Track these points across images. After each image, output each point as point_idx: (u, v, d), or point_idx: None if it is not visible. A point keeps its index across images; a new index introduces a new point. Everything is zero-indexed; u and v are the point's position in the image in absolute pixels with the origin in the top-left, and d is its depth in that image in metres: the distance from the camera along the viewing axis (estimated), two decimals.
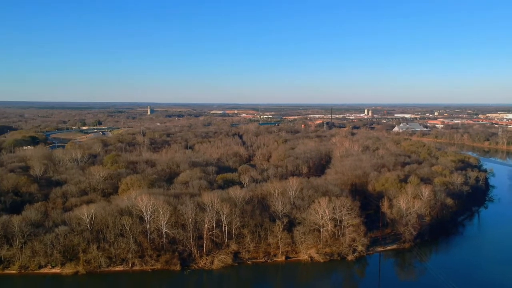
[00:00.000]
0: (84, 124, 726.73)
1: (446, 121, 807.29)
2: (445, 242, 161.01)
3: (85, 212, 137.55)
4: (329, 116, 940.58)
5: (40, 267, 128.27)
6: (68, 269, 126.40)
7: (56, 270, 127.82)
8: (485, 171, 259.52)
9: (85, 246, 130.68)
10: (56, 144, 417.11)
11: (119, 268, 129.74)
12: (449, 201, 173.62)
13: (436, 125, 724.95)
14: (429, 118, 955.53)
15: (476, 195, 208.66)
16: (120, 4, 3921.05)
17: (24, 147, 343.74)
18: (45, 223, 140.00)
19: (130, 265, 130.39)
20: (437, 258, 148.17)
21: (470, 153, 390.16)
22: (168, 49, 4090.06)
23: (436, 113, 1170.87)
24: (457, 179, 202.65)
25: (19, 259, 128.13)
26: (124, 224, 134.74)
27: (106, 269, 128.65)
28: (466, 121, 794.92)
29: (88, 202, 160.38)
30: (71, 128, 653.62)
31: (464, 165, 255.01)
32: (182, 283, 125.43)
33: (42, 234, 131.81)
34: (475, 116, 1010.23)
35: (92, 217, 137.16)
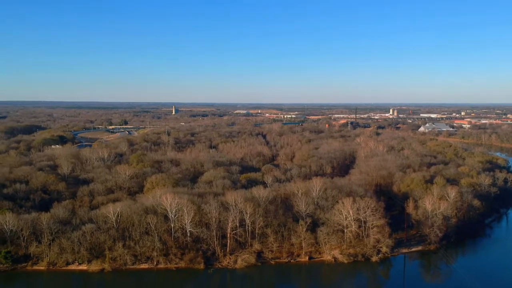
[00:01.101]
0: (111, 124, 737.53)
1: (473, 121, 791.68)
2: (472, 244, 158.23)
3: (111, 210, 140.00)
4: (353, 116, 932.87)
5: (68, 263, 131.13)
6: (95, 266, 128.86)
7: (83, 267, 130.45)
8: None
9: (111, 243, 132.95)
10: (84, 143, 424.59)
11: (144, 266, 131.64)
12: (476, 202, 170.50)
13: (463, 125, 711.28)
14: (456, 118, 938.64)
15: (504, 197, 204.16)
16: (146, 3, 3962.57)
17: (52, 146, 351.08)
18: (72, 220, 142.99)
19: (155, 263, 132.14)
20: (464, 260, 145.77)
21: (498, 153, 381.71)
22: (193, 49, 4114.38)
23: (463, 113, 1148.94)
24: (485, 180, 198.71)
25: (47, 256, 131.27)
26: (149, 223, 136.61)
27: (132, 266, 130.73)
28: (494, 121, 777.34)
29: (114, 200, 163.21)
30: (98, 128, 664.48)
31: (492, 166, 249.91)
32: (206, 281, 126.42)
33: (70, 231, 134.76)
34: (504, 116, 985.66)
35: (118, 215, 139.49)
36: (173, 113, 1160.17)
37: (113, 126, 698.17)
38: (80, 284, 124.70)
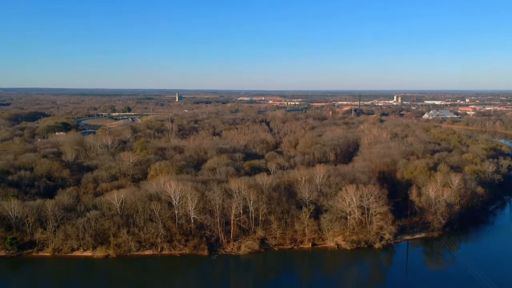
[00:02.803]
0: (114, 111, 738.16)
1: (477, 108, 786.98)
2: (475, 231, 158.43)
3: (115, 197, 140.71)
4: (357, 102, 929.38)
5: (73, 250, 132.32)
6: (99, 253, 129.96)
7: (88, 253, 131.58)
8: None
9: (115, 230, 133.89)
10: (87, 130, 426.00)
11: (148, 252, 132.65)
12: (479, 189, 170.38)
13: (467, 112, 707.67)
14: (460, 105, 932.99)
15: (508, 184, 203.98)
16: None
17: (56, 133, 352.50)
18: (77, 207, 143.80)
19: (159, 249, 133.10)
20: (467, 247, 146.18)
21: (502, 141, 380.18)
22: (196, 36, 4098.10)
23: (467, 100, 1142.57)
24: (489, 167, 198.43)
25: (52, 242, 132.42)
26: (153, 209, 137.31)
27: (136, 253, 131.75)
28: (498, 108, 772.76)
29: (118, 187, 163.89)
30: (102, 115, 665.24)
31: (496, 153, 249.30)
32: (209, 267, 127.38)
33: (74, 218, 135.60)
34: (508, 103, 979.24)
35: (122, 202, 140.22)
36: (177, 100, 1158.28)
37: (116, 113, 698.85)
38: (85, 270, 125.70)
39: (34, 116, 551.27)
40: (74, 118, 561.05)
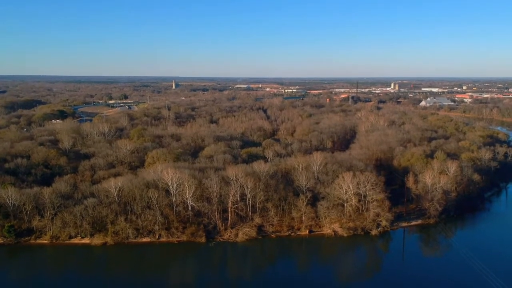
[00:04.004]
0: (111, 98, 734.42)
1: (474, 95, 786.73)
2: (471, 218, 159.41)
3: (112, 185, 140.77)
4: (354, 90, 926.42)
5: (71, 237, 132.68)
6: (97, 240, 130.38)
7: (86, 240, 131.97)
8: None
9: (113, 217, 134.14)
10: (84, 118, 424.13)
11: (146, 239, 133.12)
12: (476, 177, 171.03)
13: (464, 100, 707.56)
14: (457, 92, 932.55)
15: (504, 171, 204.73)
16: None
17: (53, 120, 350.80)
18: (74, 195, 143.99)
19: (157, 236, 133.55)
20: (463, 234, 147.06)
21: (499, 128, 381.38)
22: (192, 23, 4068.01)
23: (464, 87, 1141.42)
24: (485, 154, 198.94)
25: (50, 230, 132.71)
26: (150, 197, 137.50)
27: (134, 240, 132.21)
28: (495, 95, 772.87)
29: (116, 175, 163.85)
30: (98, 102, 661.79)
31: (492, 141, 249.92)
32: (207, 254, 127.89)
33: (72, 205, 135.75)
34: (506, 90, 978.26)
35: (119, 190, 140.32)
36: (173, 87, 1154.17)
37: (113, 101, 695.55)
38: (83, 258, 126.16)
39: (30, 104, 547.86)
40: (71, 106, 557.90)
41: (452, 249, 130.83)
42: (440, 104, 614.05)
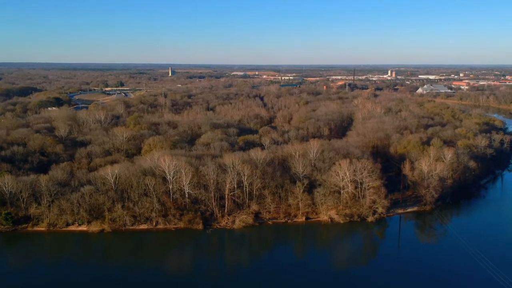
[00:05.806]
0: (107, 86, 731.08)
1: (471, 82, 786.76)
2: (467, 205, 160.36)
3: (109, 172, 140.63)
4: (351, 77, 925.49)
5: (68, 224, 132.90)
6: (94, 227, 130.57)
7: (83, 228, 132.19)
8: (510, 134, 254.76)
9: (110, 205, 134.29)
10: (80, 105, 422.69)
11: (143, 226, 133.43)
12: (472, 164, 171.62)
13: (461, 87, 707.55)
14: (454, 80, 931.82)
15: (500, 158, 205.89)
16: None
17: (49, 108, 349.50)
18: (71, 182, 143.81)
19: (154, 223, 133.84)
20: (459, 220, 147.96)
21: (495, 115, 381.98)
22: (188, 10, 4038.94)
23: (461, 74, 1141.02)
24: (481, 142, 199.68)
25: (47, 217, 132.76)
26: (147, 184, 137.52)
27: (131, 227, 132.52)
28: (492, 83, 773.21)
29: (112, 162, 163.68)
30: (94, 90, 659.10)
31: (488, 128, 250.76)
32: (204, 241, 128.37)
33: (69, 193, 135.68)
34: (502, 78, 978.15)
35: (116, 177, 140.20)
36: (170, 74, 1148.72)
37: (109, 88, 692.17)
38: (80, 245, 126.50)
39: (26, 91, 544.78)
40: (67, 93, 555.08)
41: (448, 235, 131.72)
42: (437, 91, 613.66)
